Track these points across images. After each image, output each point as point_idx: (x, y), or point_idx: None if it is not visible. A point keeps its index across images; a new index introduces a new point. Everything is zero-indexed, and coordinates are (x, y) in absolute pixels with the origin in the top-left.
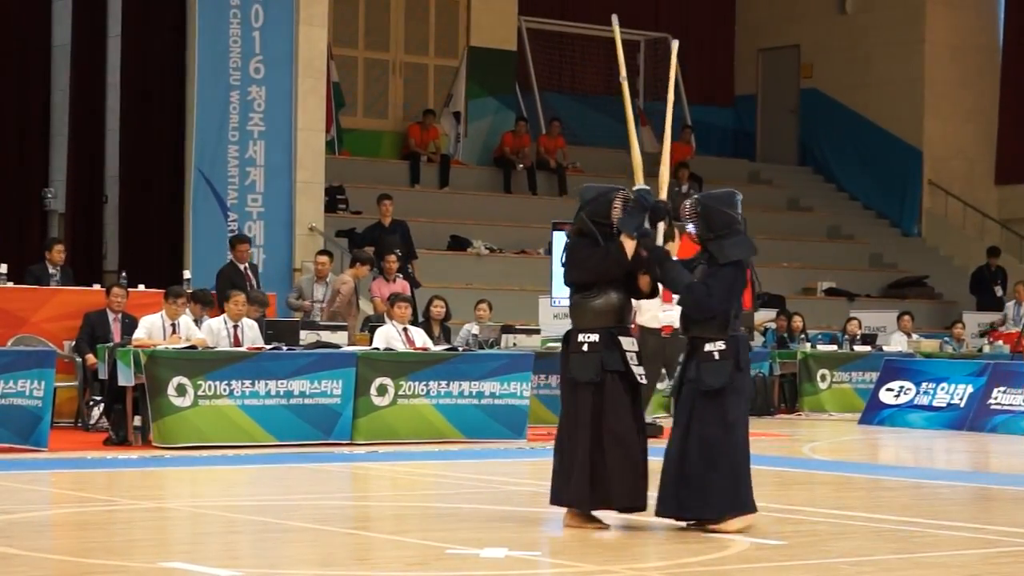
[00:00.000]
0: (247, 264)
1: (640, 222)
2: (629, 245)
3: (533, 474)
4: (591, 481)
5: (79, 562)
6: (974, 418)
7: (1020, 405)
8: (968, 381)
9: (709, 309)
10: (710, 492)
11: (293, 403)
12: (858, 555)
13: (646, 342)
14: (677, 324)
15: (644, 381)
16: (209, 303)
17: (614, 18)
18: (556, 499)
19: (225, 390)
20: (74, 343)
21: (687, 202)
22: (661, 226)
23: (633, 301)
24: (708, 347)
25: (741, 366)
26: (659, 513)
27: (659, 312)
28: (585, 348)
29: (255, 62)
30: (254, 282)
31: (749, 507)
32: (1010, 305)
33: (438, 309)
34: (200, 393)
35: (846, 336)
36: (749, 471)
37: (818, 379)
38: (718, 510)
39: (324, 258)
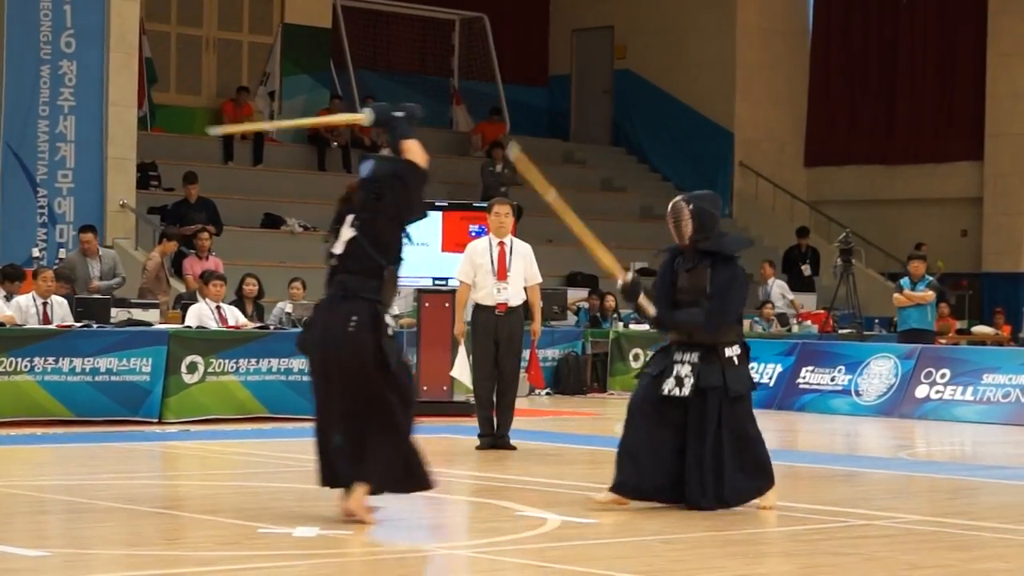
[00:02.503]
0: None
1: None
2: (415, 147)
3: None
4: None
5: None
6: (783, 397)
7: (827, 384)
8: (777, 360)
9: (730, 321)
10: (758, 474)
11: (99, 380)
12: (669, 533)
13: (477, 319)
14: (512, 302)
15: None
16: (20, 278)
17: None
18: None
19: (26, 366)
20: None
21: (680, 203)
22: (647, 307)
23: (470, 278)
24: (728, 352)
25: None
26: (703, 507)
27: (493, 289)
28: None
29: (66, 36)
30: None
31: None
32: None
33: (251, 287)
34: (1, 370)
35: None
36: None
37: (630, 358)
38: (764, 488)
39: (89, 235)
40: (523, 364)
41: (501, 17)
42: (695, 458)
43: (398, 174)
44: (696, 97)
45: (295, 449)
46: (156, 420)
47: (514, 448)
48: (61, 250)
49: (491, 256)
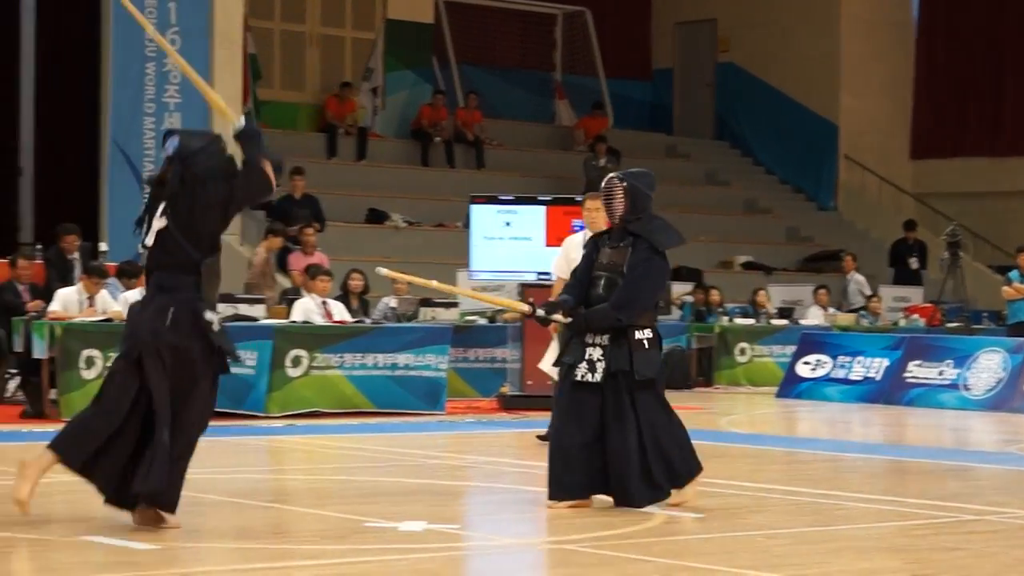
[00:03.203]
0: None
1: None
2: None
3: (451, 447)
4: None
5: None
6: (890, 391)
7: (935, 378)
8: (884, 355)
9: (643, 308)
10: (671, 468)
11: None
12: (774, 528)
13: None
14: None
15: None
16: (137, 275)
17: None
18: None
19: None
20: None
21: (614, 179)
22: (561, 319)
23: (565, 273)
24: (639, 335)
25: (661, 349)
26: (634, 504)
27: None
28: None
29: (171, 33)
30: None
31: (697, 467)
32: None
33: (356, 283)
34: (108, 365)
35: (763, 310)
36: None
37: (736, 352)
38: (682, 480)
39: None
40: None
41: (603, 11)
42: (615, 452)
43: (241, 171)
44: (800, 90)
45: (400, 443)
46: (261, 414)
47: None
48: None
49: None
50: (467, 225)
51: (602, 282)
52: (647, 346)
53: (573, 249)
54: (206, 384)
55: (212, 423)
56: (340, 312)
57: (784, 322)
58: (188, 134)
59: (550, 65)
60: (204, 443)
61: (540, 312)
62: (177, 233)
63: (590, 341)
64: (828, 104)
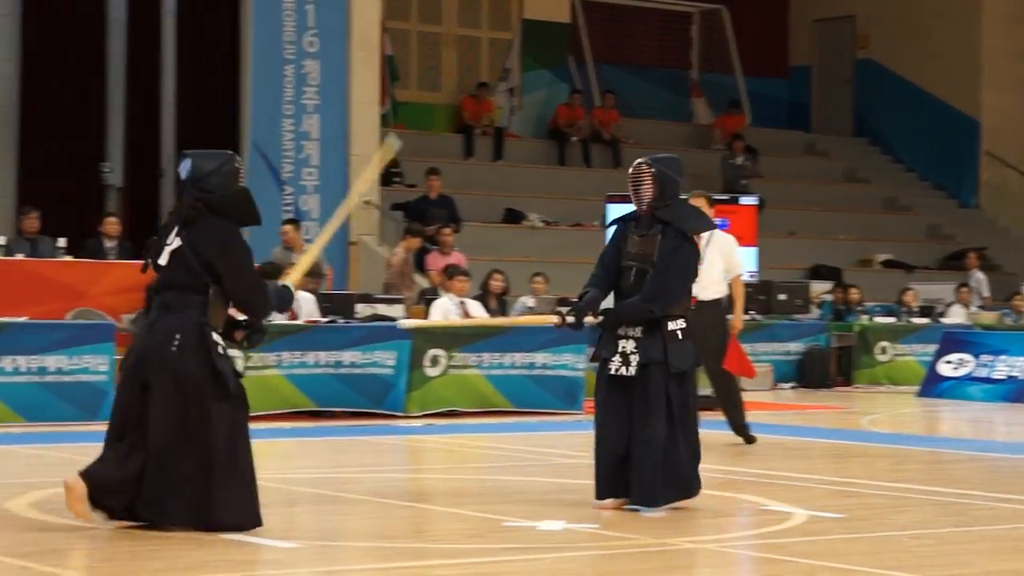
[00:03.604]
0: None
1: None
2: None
3: (589, 446)
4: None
5: (143, 534)
6: None
7: None
8: None
9: (675, 298)
10: (694, 470)
11: (343, 373)
12: (917, 528)
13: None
14: (703, 296)
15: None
16: (277, 275)
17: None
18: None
19: (274, 361)
20: (135, 316)
21: (642, 164)
22: (593, 321)
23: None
24: (672, 325)
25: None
26: (651, 504)
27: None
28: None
29: (309, 35)
30: None
31: (698, 487)
32: None
33: (498, 283)
34: (249, 365)
35: (903, 308)
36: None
37: (876, 351)
38: (691, 492)
39: (287, 227)
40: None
41: (740, 9)
42: (642, 444)
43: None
44: (941, 86)
45: (538, 443)
46: (400, 413)
47: (753, 439)
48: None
49: None
50: (604, 224)
51: (632, 272)
52: (681, 337)
53: None
54: (223, 406)
55: (352, 422)
56: (478, 312)
57: (925, 320)
58: (201, 156)
59: (687, 63)
60: (344, 442)
61: (570, 319)
62: (191, 255)
63: (623, 333)
64: (969, 100)
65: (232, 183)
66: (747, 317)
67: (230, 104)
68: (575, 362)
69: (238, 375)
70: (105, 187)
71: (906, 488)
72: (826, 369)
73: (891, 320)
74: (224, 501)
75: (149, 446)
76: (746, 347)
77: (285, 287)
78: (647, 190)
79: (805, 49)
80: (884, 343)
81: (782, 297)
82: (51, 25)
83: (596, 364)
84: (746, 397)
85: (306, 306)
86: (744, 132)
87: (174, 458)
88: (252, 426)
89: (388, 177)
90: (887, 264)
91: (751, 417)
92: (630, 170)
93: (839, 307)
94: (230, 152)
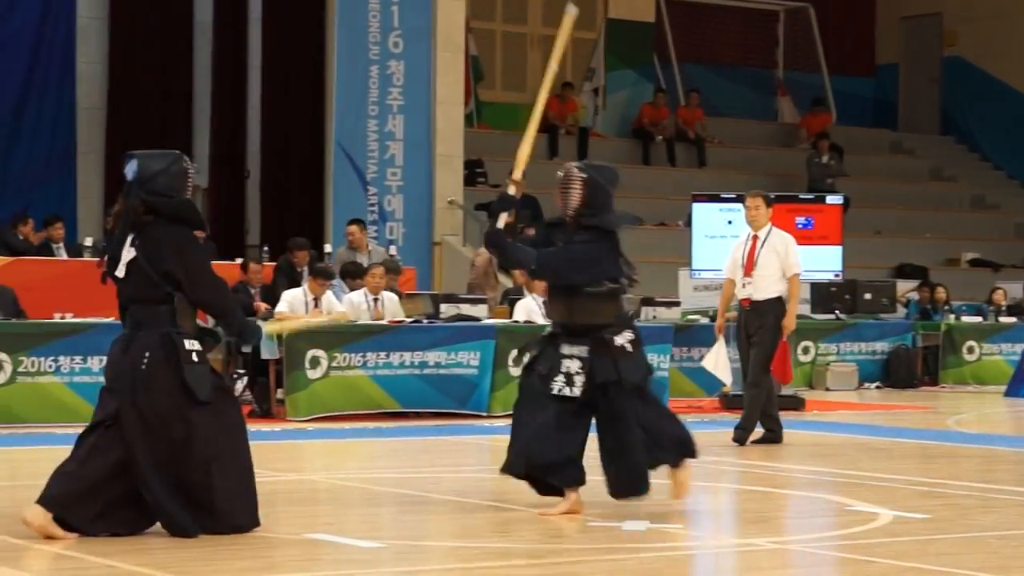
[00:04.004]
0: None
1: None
2: None
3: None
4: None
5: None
6: None
7: None
8: None
9: (564, 274)
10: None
11: (428, 373)
12: (1003, 529)
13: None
14: (757, 296)
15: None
16: (360, 275)
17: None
18: None
19: (359, 362)
20: None
21: (574, 168)
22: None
23: (732, 273)
24: (618, 340)
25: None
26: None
27: (740, 285)
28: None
29: (394, 36)
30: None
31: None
32: None
33: None
34: (334, 365)
35: (991, 307)
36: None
37: (963, 351)
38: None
39: (353, 227)
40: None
41: (826, 7)
42: (607, 451)
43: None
44: None
45: None
46: (484, 413)
47: (744, 442)
48: (392, 247)
49: (743, 251)
50: (689, 224)
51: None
52: (630, 349)
53: (735, 250)
54: (203, 413)
55: (436, 422)
56: None
57: (1013, 320)
58: (148, 156)
59: (772, 62)
60: (427, 442)
61: (498, 225)
62: (147, 266)
63: (566, 352)
64: None
65: (180, 184)
66: (831, 316)
67: (315, 105)
68: (659, 362)
69: (220, 377)
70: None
71: (992, 489)
72: (912, 369)
73: (978, 319)
74: (225, 505)
75: (139, 463)
76: (831, 347)
77: (253, 323)
78: (576, 196)
79: (892, 47)
80: (971, 342)
81: (867, 296)
82: (138, 28)
83: (685, 364)
84: (831, 396)
85: (390, 306)
86: (829, 131)
87: (170, 471)
88: (335, 426)
89: (472, 177)
90: (974, 263)
91: (836, 416)
92: (560, 173)
93: (925, 306)
94: (178, 152)
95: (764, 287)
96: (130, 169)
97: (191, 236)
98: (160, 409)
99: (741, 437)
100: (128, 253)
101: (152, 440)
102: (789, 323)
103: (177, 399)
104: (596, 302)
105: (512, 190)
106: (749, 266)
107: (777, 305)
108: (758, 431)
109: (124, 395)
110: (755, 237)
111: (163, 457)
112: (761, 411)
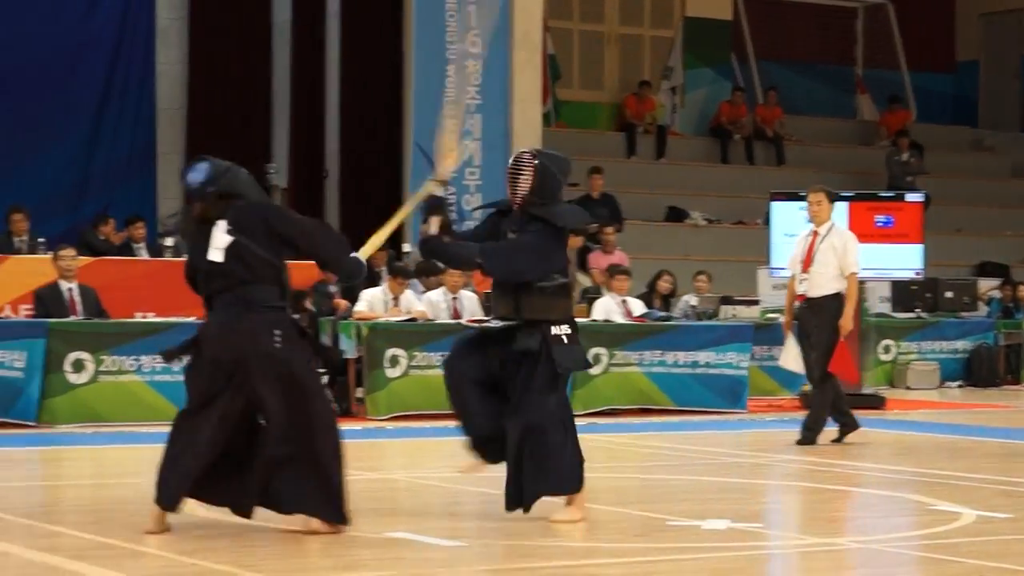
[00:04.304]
0: None
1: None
2: None
3: (752, 445)
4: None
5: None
6: None
7: None
8: None
9: (514, 267)
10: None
11: None
12: None
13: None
14: (813, 294)
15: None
16: (436, 273)
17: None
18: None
19: (439, 361)
20: (297, 317)
21: (525, 154)
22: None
23: (794, 269)
24: (555, 330)
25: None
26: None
27: (798, 281)
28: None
29: (471, 35)
30: None
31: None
32: None
33: (666, 284)
34: (413, 364)
35: None
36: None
37: None
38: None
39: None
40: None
41: (906, 3)
42: (527, 443)
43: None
44: None
45: (701, 442)
46: None
47: (812, 442)
48: None
49: (803, 247)
50: (767, 222)
51: None
52: (567, 341)
53: (796, 246)
54: (325, 395)
55: None
56: (639, 310)
57: None
58: (212, 160)
59: (851, 59)
60: None
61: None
62: (250, 242)
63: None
64: None
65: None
66: (913, 315)
67: (393, 104)
68: (739, 361)
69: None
70: (270, 188)
71: None
72: (994, 367)
73: None
74: (341, 490)
75: (278, 444)
76: (912, 345)
77: (357, 260)
78: (525, 182)
79: (972, 43)
80: None
81: (949, 295)
82: (218, 29)
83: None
84: (912, 395)
85: (468, 305)
86: (909, 128)
87: (312, 452)
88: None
89: None
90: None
91: (917, 415)
92: (511, 159)
93: (1007, 304)
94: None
95: (820, 284)
96: (202, 170)
97: (277, 203)
98: (300, 385)
99: (806, 438)
100: (223, 239)
101: (292, 415)
102: (846, 323)
103: (312, 377)
104: (546, 297)
105: (440, 191)
106: (807, 262)
107: (833, 303)
108: (833, 430)
109: (257, 374)
110: (815, 233)
111: (305, 438)
112: (833, 408)
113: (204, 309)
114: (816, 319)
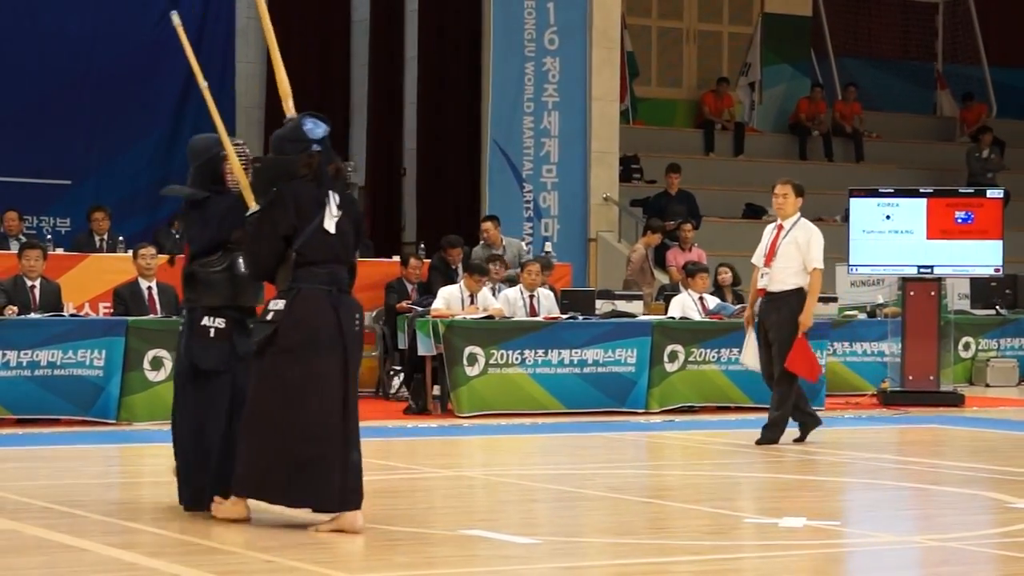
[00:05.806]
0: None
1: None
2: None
3: (833, 442)
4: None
5: (385, 529)
6: None
7: None
8: None
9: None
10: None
11: (587, 372)
12: None
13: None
14: (772, 288)
15: None
16: (484, 272)
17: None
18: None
19: (517, 359)
20: (374, 313)
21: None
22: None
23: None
24: (206, 321)
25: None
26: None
27: (759, 275)
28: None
29: (549, 33)
30: None
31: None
32: None
33: (724, 276)
34: (492, 362)
35: None
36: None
37: None
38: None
39: (488, 224)
40: None
41: None
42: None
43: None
44: None
45: (780, 439)
46: (640, 410)
47: (774, 441)
48: (547, 244)
49: (767, 241)
50: (846, 219)
51: None
52: (212, 336)
53: (763, 239)
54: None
55: (590, 419)
56: (713, 304)
57: None
58: (321, 120)
59: (931, 55)
60: (584, 438)
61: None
62: (353, 228)
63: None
64: None
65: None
66: (992, 312)
67: (471, 102)
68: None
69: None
70: (348, 186)
71: None
72: None
73: None
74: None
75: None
76: (991, 342)
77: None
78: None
79: None
80: None
81: None
82: (296, 27)
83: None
84: (991, 393)
85: (545, 302)
86: (990, 124)
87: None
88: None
89: (627, 173)
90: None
91: (996, 412)
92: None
93: None
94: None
95: (781, 279)
96: (323, 127)
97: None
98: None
99: (766, 437)
100: (336, 212)
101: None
102: (805, 319)
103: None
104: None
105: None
106: (768, 256)
107: (793, 298)
108: (795, 430)
109: (338, 355)
110: (780, 227)
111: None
112: (794, 407)
113: (279, 274)
114: (776, 315)
